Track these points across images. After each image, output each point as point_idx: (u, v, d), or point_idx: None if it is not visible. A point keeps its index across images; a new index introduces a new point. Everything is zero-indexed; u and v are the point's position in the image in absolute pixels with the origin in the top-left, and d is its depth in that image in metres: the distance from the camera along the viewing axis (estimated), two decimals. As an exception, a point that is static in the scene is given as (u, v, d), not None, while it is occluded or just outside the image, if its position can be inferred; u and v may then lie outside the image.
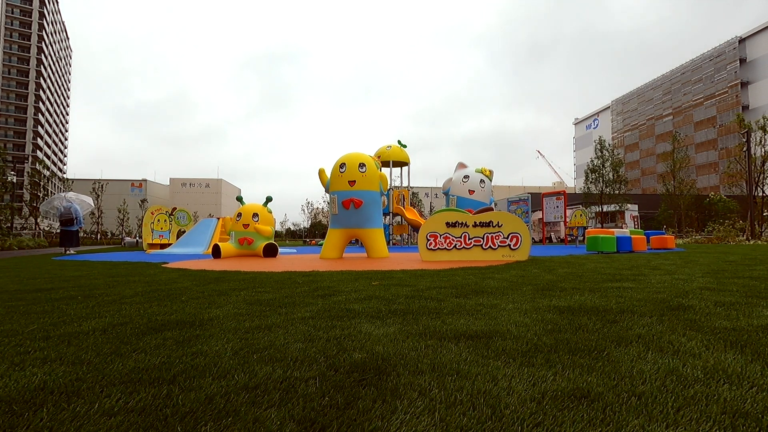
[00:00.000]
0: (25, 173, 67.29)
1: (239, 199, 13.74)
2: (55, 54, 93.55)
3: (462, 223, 9.18)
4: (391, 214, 25.10)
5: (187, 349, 2.13)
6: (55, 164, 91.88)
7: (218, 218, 18.44)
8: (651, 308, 3.09)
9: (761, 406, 1.38)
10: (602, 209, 36.93)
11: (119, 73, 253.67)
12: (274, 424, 1.28)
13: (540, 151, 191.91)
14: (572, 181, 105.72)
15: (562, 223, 26.47)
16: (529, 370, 1.74)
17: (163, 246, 20.46)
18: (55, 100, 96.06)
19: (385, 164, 22.86)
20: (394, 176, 33.31)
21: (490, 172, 20.51)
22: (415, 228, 24.20)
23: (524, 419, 1.30)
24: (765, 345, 2.09)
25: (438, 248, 9.16)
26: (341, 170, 10.89)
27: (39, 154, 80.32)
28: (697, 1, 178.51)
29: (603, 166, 38.58)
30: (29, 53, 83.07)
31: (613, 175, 38.15)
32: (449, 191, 20.53)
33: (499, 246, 8.98)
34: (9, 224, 32.84)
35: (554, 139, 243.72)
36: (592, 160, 39.67)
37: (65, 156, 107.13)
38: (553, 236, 35.45)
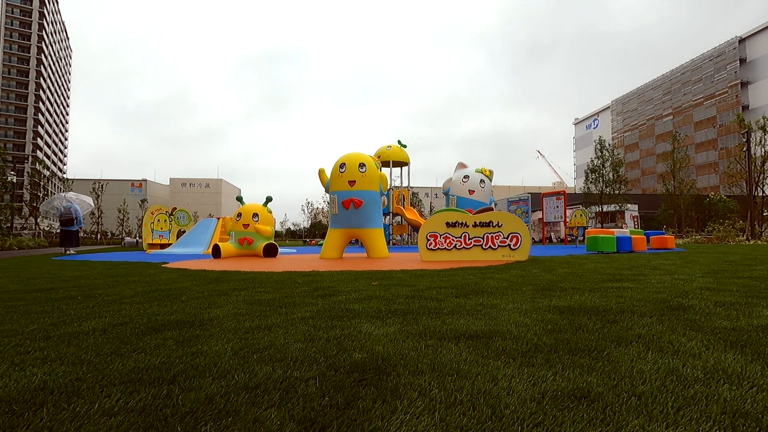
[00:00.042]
0: (25, 173, 67.29)
1: (239, 199, 13.75)
2: (55, 54, 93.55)
3: (462, 223, 9.18)
4: (391, 214, 25.10)
5: (187, 349, 2.13)
6: (55, 164, 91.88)
7: (218, 218, 18.45)
8: (651, 308, 3.09)
9: (761, 406, 1.38)
10: (602, 209, 36.94)
11: (119, 73, 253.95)
12: (274, 424, 1.28)
13: (540, 151, 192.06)
14: (572, 181, 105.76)
15: (562, 223, 26.47)
16: (529, 370, 1.74)
17: (163, 246, 20.46)
18: (55, 100, 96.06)
19: (385, 164, 22.86)
20: (394, 176, 33.34)
21: (490, 172, 20.51)
22: (415, 228, 24.20)
23: (524, 419, 1.30)
24: (765, 345, 2.09)
25: (438, 248, 9.16)
26: (341, 170, 10.89)
27: (39, 154, 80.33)
28: (697, 1, 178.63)
29: (603, 166, 38.59)
30: (29, 53, 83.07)
31: (613, 175, 38.16)
32: (449, 191, 20.53)
33: (499, 246, 8.98)
34: (9, 224, 32.84)
35: (554, 139, 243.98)
36: (592, 160, 39.68)
37: (65, 156, 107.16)
38: (553, 236, 35.45)
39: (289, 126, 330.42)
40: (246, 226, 12.53)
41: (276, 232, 24.30)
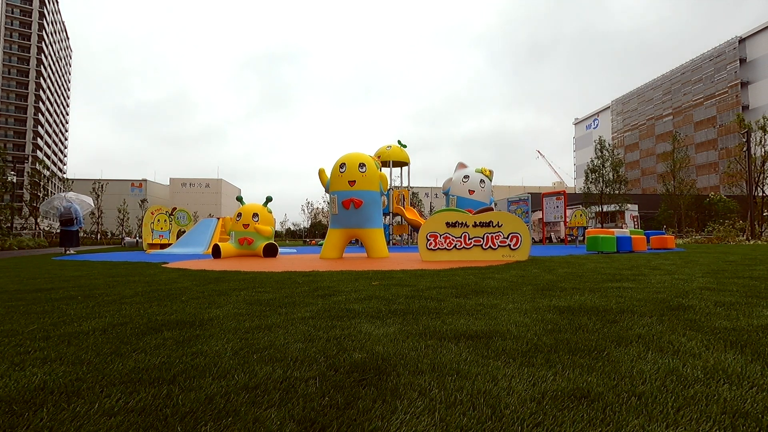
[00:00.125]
0: (25, 173, 67.28)
1: (239, 199, 13.75)
2: (55, 54, 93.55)
3: (462, 223, 9.18)
4: (391, 214, 25.10)
5: (187, 349, 2.13)
6: (55, 164, 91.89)
7: (218, 218, 18.45)
8: (651, 308, 3.09)
9: (761, 406, 1.38)
10: (602, 209, 36.94)
11: (119, 73, 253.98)
12: (274, 424, 1.28)
13: (540, 151, 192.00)
14: (572, 181, 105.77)
15: (562, 223, 26.47)
16: (529, 370, 1.74)
17: (163, 246, 20.46)
18: (55, 100, 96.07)
19: (385, 164, 22.86)
20: (394, 176, 33.35)
21: (490, 172, 20.51)
22: (415, 228, 24.20)
23: (524, 419, 1.30)
24: (765, 345, 2.09)
25: (438, 248, 9.16)
26: (341, 170, 10.89)
27: (39, 154, 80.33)
28: (697, 1, 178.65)
29: (603, 166, 38.59)
30: (29, 53, 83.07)
31: (613, 175, 38.16)
32: (449, 191, 20.53)
33: (499, 246, 8.98)
34: (9, 224, 32.84)
35: (554, 139, 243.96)
36: (592, 160, 39.68)
37: (65, 156, 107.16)
38: (553, 236, 35.45)
39: (289, 126, 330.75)
40: (246, 226, 12.53)
41: (276, 232, 24.30)
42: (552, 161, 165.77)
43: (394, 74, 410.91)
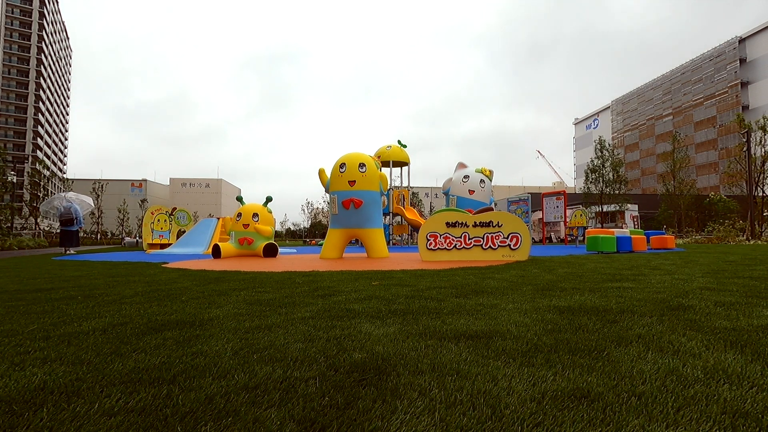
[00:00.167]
0: (25, 173, 67.28)
1: (239, 199, 13.75)
2: (55, 54, 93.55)
3: (462, 223, 9.18)
4: (391, 214, 25.10)
5: (187, 349, 2.13)
6: (55, 164, 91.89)
7: (218, 218, 18.45)
8: (651, 308, 3.09)
9: (761, 406, 1.38)
10: (602, 209, 36.93)
11: (119, 73, 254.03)
12: (274, 424, 1.28)
13: (540, 151, 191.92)
14: (572, 181, 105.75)
15: (562, 223, 26.47)
16: (529, 370, 1.74)
17: (163, 246, 20.46)
18: (55, 100, 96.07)
19: (385, 164, 22.86)
20: (394, 176, 33.34)
21: (490, 172, 20.51)
22: (415, 228, 24.20)
23: (524, 419, 1.30)
24: (765, 345, 2.09)
25: (438, 248, 9.16)
26: (341, 170, 10.89)
27: (39, 154, 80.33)
28: (697, 1, 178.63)
29: (603, 166, 38.58)
30: (29, 53, 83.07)
31: (613, 175, 38.15)
32: (449, 191, 20.53)
33: (499, 246, 8.98)
34: (9, 224, 32.85)
35: (554, 139, 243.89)
36: (592, 160, 39.68)
37: (65, 156, 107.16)
38: (553, 236, 35.45)
39: (289, 126, 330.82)
40: (246, 226, 12.53)
41: (276, 232, 24.29)
42: (552, 161, 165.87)
43: (394, 74, 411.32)
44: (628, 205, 37.97)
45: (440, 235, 9.18)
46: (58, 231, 27.06)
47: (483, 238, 9.06)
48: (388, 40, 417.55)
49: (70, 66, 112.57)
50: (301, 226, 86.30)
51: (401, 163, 24.93)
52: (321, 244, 16.86)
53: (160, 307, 3.41)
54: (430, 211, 70.10)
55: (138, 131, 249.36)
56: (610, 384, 1.58)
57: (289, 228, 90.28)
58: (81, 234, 33.27)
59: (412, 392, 1.53)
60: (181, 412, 1.38)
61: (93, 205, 23.76)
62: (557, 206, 25.55)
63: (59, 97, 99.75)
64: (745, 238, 24.19)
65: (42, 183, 52.12)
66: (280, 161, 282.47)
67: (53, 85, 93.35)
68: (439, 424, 1.28)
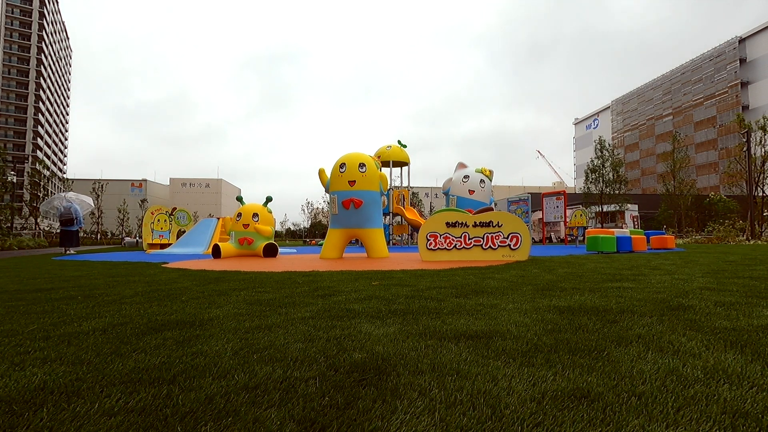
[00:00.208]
0: (25, 173, 67.29)
1: (239, 199, 13.75)
2: (55, 54, 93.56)
3: (462, 223, 9.18)
4: (391, 214, 25.10)
5: (187, 349, 2.13)
6: (55, 164, 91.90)
7: (218, 218, 18.45)
8: (651, 308, 3.09)
9: (761, 406, 1.38)
10: (602, 209, 36.93)
11: (119, 73, 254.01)
12: (274, 424, 1.28)
13: (540, 151, 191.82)
14: (572, 181, 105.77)
15: (562, 223, 26.47)
16: (529, 370, 1.74)
17: (163, 246, 20.46)
18: (55, 100, 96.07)
19: (385, 164, 22.86)
20: (394, 176, 33.34)
21: (490, 172, 20.51)
22: (415, 228, 24.20)
23: (524, 419, 1.30)
24: (765, 345, 2.09)
25: (438, 248, 9.16)
26: (341, 170, 10.90)
27: (39, 154, 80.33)
28: (697, 1, 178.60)
29: (603, 166, 38.57)
30: (29, 53, 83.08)
31: (613, 175, 38.14)
32: (449, 191, 20.53)
33: (499, 246, 8.98)
34: (9, 224, 32.85)
35: (554, 139, 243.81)
36: (592, 160, 39.67)
37: (65, 156, 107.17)
38: (553, 236, 35.45)
39: (289, 126, 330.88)
40: (246, 226, 12.53)
41: (276, 232, 24.29)
42: (552, 161, 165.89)
43: (394, 74, 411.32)
44: (628, 205, 37.97)
45: (440, 235, 9.18)
46: (58, 231, 27.06)
47: (483, 238, 9.06)
48: (389, 40, 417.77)
49: (70, 66, 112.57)
50: (301, 226, 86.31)
51: (401, 163, 24.93)
52: (321, 244, 16.86)
53: (160, 307, 3.41)
54: (430, 211, 70.10)
55: (138, 131, 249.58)
56: (610, 384, 1.58)
57: (289, 228, 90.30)
58: (81, 234, 33.27)
59: (412, 392, 1.53)
60: (181, 412, 1.38)
61: (93, 205, 23.76)
62: (557, 206, 25.55)
63: (59, 97, 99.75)
64: (745, 238, 24.19)
65: (42, 183, 52.11)
66: (280, 161, 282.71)
67: (53, 85, 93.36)
68: (439, 424, 1.28)
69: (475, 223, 9.14)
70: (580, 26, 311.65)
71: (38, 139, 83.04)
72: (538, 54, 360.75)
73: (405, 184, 27.10)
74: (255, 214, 12.70)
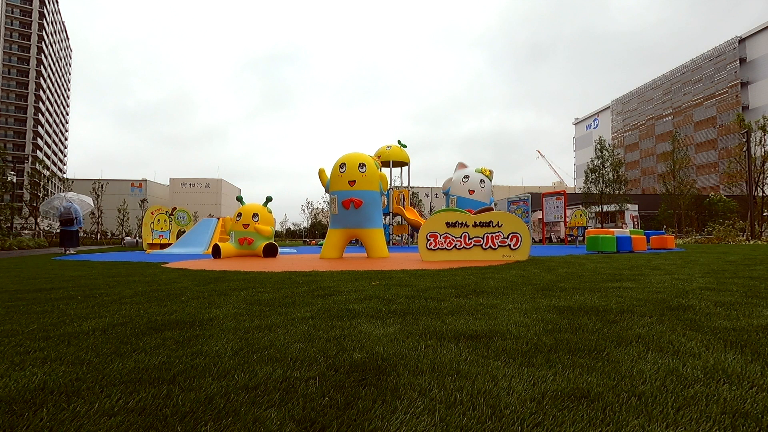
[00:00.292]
0: (25, 173, 67.28)
1: (239, 199, 13.74)
2: (55, 54, 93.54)
3: (462, 223, 9.18)
4: (391, 214, 25.09)
5: (187, 349, 2.13)
6: (55, 164, 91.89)
7: (218, 218, 18.44)
8: (651, 308, 3.09)
9: (761, 406, 1.38)
10: (602, 209, 36.92)
11: (119, 73, 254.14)
12: (274, 424, 1.28)
13: (540, 151, 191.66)
14: (572, 181, 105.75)
15: (562, 223, 26.47)
16: (529, 370, 1.74)
17: (163, 246, 20.46)
18: (55, 100, 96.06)
19: (385, 164, 22.85)
20: (394, 176, 33.33)
21: (490, 172, 20.52)
22: (415, 228, 24.19)
23: (524, 419, 1.30)
24: (765, 345, 2.09)
25: (438, 248, 9.16)
26: (341, 170, 10.89)
27: (39, 154, 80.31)
28: (697, 2, 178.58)
29: (603, 166, 38.54)
30: (29, 53, 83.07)
31: (613, 175, 38.11)
32: (449, 191, 20.54)
33: (499, 246, 8.98)
34: (9, 224, 32.85)
35: (554, 139, 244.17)
36: (592, 160, 39.63)
37: (65, 156, 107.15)
38: (553, 236, 35.45)
39: (289, 126, 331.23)
40: (246, 226, 12.52)
41: (276, 232, 24.28)
42: (552, 161, 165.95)
43: (394, 74, 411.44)
44: (628, 205, 37.96)
45: (440, 235, 9.18)
46: (58, 231, 27.05)
47: (483, 238, 9.06)
48: (389, 41, 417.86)
49: (70, 66, 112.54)
50: (301, 226, 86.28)
51: (401, 163, 24.92)
52: (321, 244, 16.85)
53: (160, 307, 3.41)
54: (430, 211, 70.08)
55: (138, 131, 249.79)
56: (610, 384, 1.58)
57: (289, 228, 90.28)
58: (81, 234, 33.26)
59: (412, 392, 1.53)
60: (181, 412, 1.38)
61: (93, 205, 23.76)
62: (557, 206, 25.55)
63: (59, 97, 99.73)
64: (745, 238, 24.19)
65: (42, 183, 52.11)
66: (280, 161, 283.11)
67: (53, 85, 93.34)
68: (439, 424, 1.28)
69: (475, 223, 9.14)
70: (581, 27, 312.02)
71: (38, 139, 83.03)
72: (538, 54, 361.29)
73: (405, 184, 27.11)
74: (255, 214, 12.70)
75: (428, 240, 9.19)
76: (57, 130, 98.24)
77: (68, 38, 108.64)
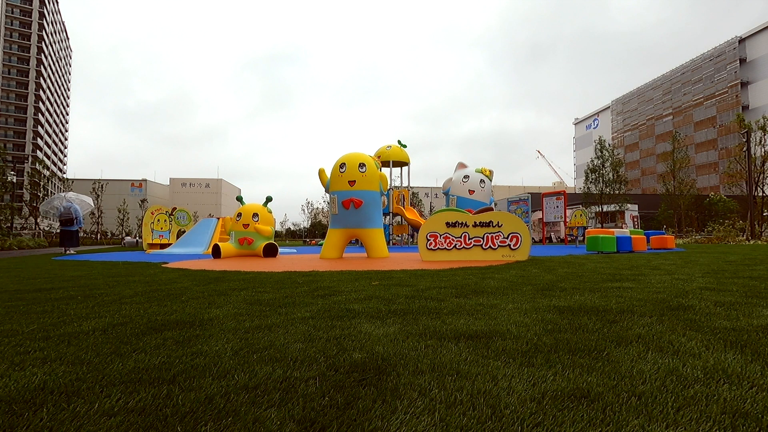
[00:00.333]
0: (25, 173, 67.28)
1: (239, 199, 13.74)
2: (55, 54, 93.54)
3: (462, 223, 9.18)
4: (391, 214, 25.09)
5: (187, 349, 2.13)
6: (55, 164, 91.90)
7: (218, 218, 18.44)
8: (651, 308, 3.09)
9: (761, 406, 1.38)
10: (602, 209, 36.91)
11: (119, 73, 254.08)
12: (274, 424, 1.28)
13: (540, 151, 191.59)
14: (572, 181, 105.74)
15: (562, 223, 26.47)
16: (529, 370, 1.74)
17: (163, 246, 20.45)
18: (55, 100, 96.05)
19: (385, 164, 22.85)
20: (394, 176, 33.33)
21: (490, 172, 20.51)
22: (415, 228, 24.19)
23: (524, 419, 1.30)
24: (765, 345, 2.09)
25: (438, 248, 9.16)
26: (341, 170, 10.89)
27: (39, 154, 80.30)
28: (697, 1, 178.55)
29: (603, 166, 38.52)
30: (29, 53, 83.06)
31: (613, 175, 38.09)
32: (449, 191, 20.53)
33: (499, 246, 8.98)
34: (9, 224, 32.85)
35: (554, 139, 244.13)
36: (592, 160, 39.61)
37: (65, 156, 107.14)
38: (553, 236, 35.44)
39: (289, 126, 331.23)
40: (246, 226, 12.52)
41: (276, 232, 24.28)
42: (552, 161, 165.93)
43: (394, 74, 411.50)
44: (628, 205, 37.94)
45: (440, 235, 9.18)
46: (58, 231, 27.05)
47: (483, 238, 9.06)
48: (389, 41, 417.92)
49: (70, 66, 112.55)
50: (301, 226, 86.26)
51: (401, 163, 24.92)
52: (321, 244, 16.86)
53: (160, 307, 3.41)
54: (430, 211, 70.09)
55: (138, 131, 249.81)
56: (610, 384, 1.58)
57: (289, 228, 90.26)
58: (81, 234, 33.27)
59: (412, 392, 1.53)
60: (181, 412, 1.38)
61: (93, 205, 23.76)
62: (557, 206, 25.55)
63: (59, 97, 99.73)
64: (745, 238, 24.19)
65: (42, 183, 52.11)
66: (280, 161, 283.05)
67: (53, 85, 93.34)
68: (439, 424, 1.28)
69: (475, 223, 9.14)
70: (581, 27, 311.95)
71: (38, 139, 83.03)
72: (538, 54, 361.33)
73: (405, 184, 27.11)
74: (255, 214, 12.70)
75: (428, 240, 9.19)
76: (57, 130, 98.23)
77: (68, 38, 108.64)
